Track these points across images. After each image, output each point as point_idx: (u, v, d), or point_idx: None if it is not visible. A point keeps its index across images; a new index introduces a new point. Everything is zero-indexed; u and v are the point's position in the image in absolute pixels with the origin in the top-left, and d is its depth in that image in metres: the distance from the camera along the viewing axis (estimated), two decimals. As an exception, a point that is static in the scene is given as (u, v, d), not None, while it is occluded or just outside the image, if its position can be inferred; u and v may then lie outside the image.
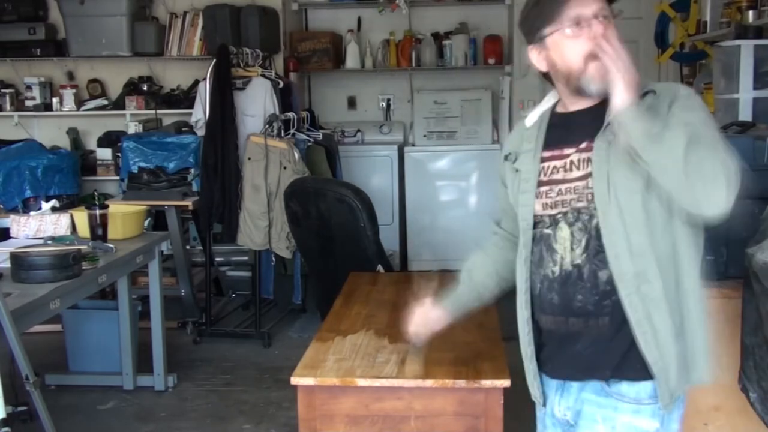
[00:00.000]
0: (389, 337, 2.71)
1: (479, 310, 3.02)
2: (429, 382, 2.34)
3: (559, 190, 1.76)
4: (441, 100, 6.44)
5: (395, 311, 3.05)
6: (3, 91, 6.08)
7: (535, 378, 1.91)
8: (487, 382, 2.33)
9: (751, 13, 3.84)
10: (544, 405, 1.93)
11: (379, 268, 4.06)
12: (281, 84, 5.21)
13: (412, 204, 6.37)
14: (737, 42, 3.48)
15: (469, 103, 6.42)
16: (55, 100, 6.05)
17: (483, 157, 6.35)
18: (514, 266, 1.90)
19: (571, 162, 1.75)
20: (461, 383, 2.34)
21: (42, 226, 3.91)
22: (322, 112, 6.49)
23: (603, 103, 1.71)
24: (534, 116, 1.88)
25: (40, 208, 4.39)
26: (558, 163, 1.77)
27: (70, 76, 6.21)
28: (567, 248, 1.75)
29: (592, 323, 1.74)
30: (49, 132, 6.11)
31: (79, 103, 6.05)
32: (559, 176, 1.77)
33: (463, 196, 6.40)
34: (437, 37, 6.47)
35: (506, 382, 2.33)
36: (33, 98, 6.04)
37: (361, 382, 2.36)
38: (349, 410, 2.39)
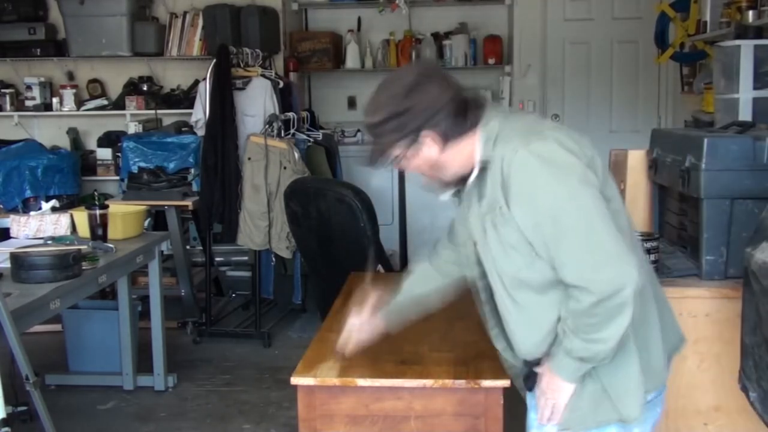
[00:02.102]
0: (389, 337, 2.71)
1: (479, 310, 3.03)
2: (429, 382, 2.34)
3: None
4: (441, 100, 6.44)
5: (395, 311, 3.05)
6: (3, 91, 6.08)
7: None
8: (487, 382, 2.33)
9: (751, 13, 3.84)
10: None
11: (379, 268, 4.06)
12: (281, 84, 5.21)
13: (412, 204, 6.37)
14: (737, 42, 3.48)
15: (469, 103, 6.42)
16: (55, 100, 6.06)
17: (483, 157, 6.34)
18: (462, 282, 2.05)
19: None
20: (461, 383, 2.33)
21: (42, 226, 3.90)
22: (322, 112, 6.49)
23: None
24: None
25: (40, 208, 4.39)
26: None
27: (70, 76, 6.21)
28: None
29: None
30: (49, 132, 6.11)
31: (79, 103, 6.05)
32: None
33: (463, 196, 6.39)
34: (437, 37, 6.47)
35: (506, 382, 2.32)
36: (33, 98, 6.04)
37: (361, 382, 2.36)
38: (349, 410, 2.39)
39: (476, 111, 1.79)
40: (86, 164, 5.74)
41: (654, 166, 2.74)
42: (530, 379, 1.89)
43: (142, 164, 5.04)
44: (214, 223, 5.01)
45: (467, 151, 1.79)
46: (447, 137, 1.76)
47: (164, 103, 6.00)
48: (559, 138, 1.75)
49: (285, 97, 5.25)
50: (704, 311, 2.33)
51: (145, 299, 4.37)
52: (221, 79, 4.88)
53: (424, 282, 2.22)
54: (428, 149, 1.78)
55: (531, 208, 1.69)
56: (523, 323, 1.82)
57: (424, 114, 1.74)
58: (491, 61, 6.38)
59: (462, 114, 1.77)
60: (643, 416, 1.81)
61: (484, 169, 1.77)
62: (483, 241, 1.81)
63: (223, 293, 5.69)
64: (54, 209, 4.25)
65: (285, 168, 4.81)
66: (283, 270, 5.60)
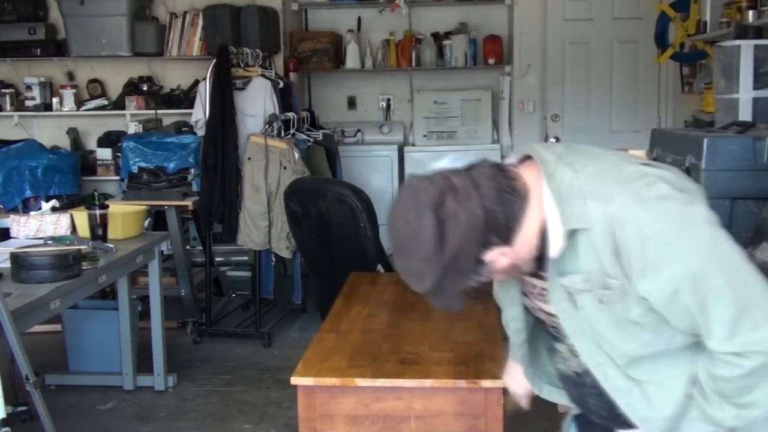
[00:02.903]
0: (389, 337, 2.72)
1: (479, 310, 3.03)
2: (429, 382, 2.34)
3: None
4: (441, 100, 6.45)
5: (395, 311, 3.06)
6: (3, 91, 6.08)
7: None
8: (487, 382, 2.33)
9: (751, 13, 3.84)
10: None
11: (379, 268, 4.06)
12: (281, 84, 5.21)
13: (412, 204, 6.36)
14: (737, 42, 3.48)
15: (469, 103, 6.42)
16: (55, 100, 6.06)
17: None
18: None
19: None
20: (461, 383, 2.34)
21: (42, 226, 3.90)
22: (322, 112, 6.49)
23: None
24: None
25: (40, 208, 4.39)
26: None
27: (70, 76, 6.21)
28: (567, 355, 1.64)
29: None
30: (49, 132, 6.11)
31: (79, 103, 6.05)
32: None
33: (463, 196, 6.39)
34: (437, 37, 6.47)
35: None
36: (33, 98, 6.05)
37: (361, 382, 2.36)
38: (349, 410, 2.39)
39: (516, 179, 1.44)
40: (86, 164, 5.74)
41: (654, 166, 2.74)
42: None
43: (142, 164, 5.04)
44: (214, 223, 5.00)
45: (534, 227, 1.44)
46: (509, 236, 1.42)
47: (164, 103, 6.00)
48: (665, 176, 1.44)
49: (285, 97, 5.25)
50: (704, 311, 2.33)
51: (145, 299, 4.37)
52: (221, 79, 4.88)
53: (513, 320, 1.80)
54: (501, 261, 1.45)
55: (665, 278, 1.37)
56: (649, 400, 1.51)
57: (471, 246, 1.40)
58: (491, 61, 6.38)
59: (504, 201, 1.41)
60: None
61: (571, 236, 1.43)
62: (574, 319, 1.50)
63: (223, 293, 5.69)
64: (54, 209, 4.25)
65: (285, 168, 4.81)
66: (283, 270, 5.60)
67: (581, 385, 1.63)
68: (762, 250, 1.88)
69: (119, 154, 5.39)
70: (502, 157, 6.41)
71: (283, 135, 4.96)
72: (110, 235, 3.72)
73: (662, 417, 1.50)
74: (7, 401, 2.50)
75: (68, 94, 6.01)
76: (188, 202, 4.94)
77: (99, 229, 3.65)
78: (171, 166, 5.06)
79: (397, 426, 2.38)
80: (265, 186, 4.83)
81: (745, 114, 3.36)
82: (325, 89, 6.71)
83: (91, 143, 6.04)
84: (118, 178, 5.53)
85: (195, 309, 5.11)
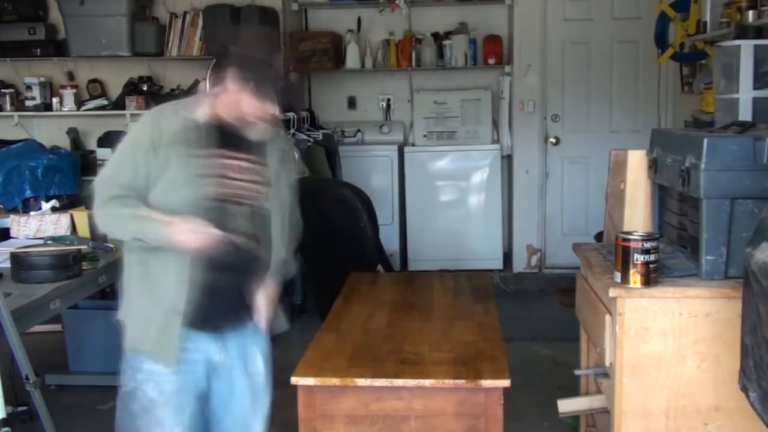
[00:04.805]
0: (389, 337, 2.72)
1: (479, 310, 3.03)
2: (429, 382, 2.35)
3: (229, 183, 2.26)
4: (441, 100, 6.44)
5: (395, 311, 3.06)
6: (3, 91, 6.08)
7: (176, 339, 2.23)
8: (487, 382, 2.33)
9: (751, 13, 3.83)
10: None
11: (379, 268, 4.07)
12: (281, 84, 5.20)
13: (412, 204, 6.37)
14: (737, 42, 3.48)
15: (469, 103, 6.42)
16: (55, 100, 6.05)
17: (483, 157, 6.35)
18: None
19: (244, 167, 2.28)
20: (461, 383, 2.34)
21: (42, 226, 3.90)
22: (322, 112, 6.49)
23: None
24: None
25: (40, 208, 4.39)
26: (231, 162, 2.26)
27: (70, 76, 6.21)
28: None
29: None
30: (49, 132, 6.11)
31: (79, 103, 6.05)
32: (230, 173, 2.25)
33: (463, 196, 6.40)
34: (437, 37, 6.47)
35: (506, 382, 2.33)
36: (33, 98, 6.04)
37: (361, 382, 2.36)
38: (349, 410, 2.39)
39: None
40: (86, 164, 5.73)
41: (654, 166, 2.74)
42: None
43: (142, 164, 5.03)
44: (214, 223, 4.99)
45: None
46: None
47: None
48: None
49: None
50: (704, 311, 2.33)
51: (145, 299, 4.37)
52: (221, 79, 4.87)
53: None
54: None
55: None
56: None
57: None
58: (491, 61, 6.38)
59: None
60: None
61: None
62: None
63: (223, 293, 5.67)
64: (54, 209, 4.25)
65: (285, 168, 4.81)
66: (283, 270, 5.59)
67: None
68: (762, 250, 1.88)
69: (119, 154, 5.38)
70: (502, 157, 6.42)
71: (283, 135, 4.96)
72: (110, 235, 3.71)
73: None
74: (7, 401, 2.50)
75: (68, 94, 6.01)
76: (188, 202, 4.93)
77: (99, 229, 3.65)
78: (171, 166, 5.04)
79: (397, 426, 2.38)
80: (265, 186, 4.82)
81: (745, 114, 3.36)
82: (325, 89, 6.71)
83: (91, 143, 6.03)
84: (118, 178, 5.52)
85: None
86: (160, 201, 2.20)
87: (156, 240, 2.19)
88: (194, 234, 2.15)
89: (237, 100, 2.20)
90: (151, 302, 2.24)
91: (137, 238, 2.23)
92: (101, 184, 2.27)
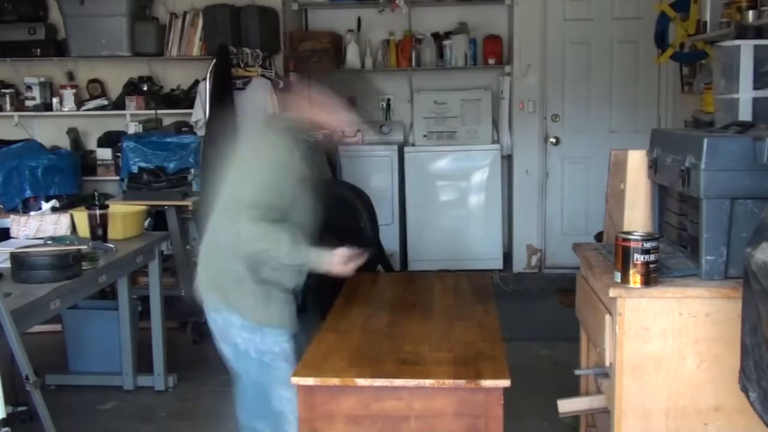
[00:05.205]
0: (389, 337, 2.72)
1: (479, 310, 3.03)
2: (429, 382, 2.34)
3: None
4: (441, 100, 6.44)
5: (395, 311, 3.06)
6: (3, 91, 6.08)
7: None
8: (487, 382, 2.33)
9: (751, 13, 3.83)
10: None
11: (379, 268, 4.07)
12: (281, 84, 5.21)
13: (412, 204, 6.37)
14: (737, 42, 3.48)
15: (469, 103, 6.42)
16: (55, 100, 6.06)
17: (483, 157, 6.35)
18: None
19: None
20: (461, 383, 2.33)
21: (42, 226, 3.91)
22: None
23: None
24: None
25: (40, 208, 4.39)
26: None
27: (70, 76, 6.21)
28: None
29: None
30: (49, 132, 6.11)
31: (79, 103, 6.05)
32: None
33: (463, 196, 6.40)
34: (437, 37, 6.47)
35: (506, 382, 2.32)
36: (33, 98, 6.04)
37: (361, 382, 2.36)
38: (349, 410, 2.39)
39: None
40: (86, 164, 5.74)
41: (654, 166, 2.74)
42: None
43: (142, 164, 5.04)
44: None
45: None
46: None
47: (164, 103, 6.00)
48: None
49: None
50: (704, 311, 2.33)
51: (145, 299, 4.37)
52: (221, 79, 4.88)
53: None
54: None
55: None
56: None
57: None
58: (491, 61, 6.38)
59: None
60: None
61: None
62: None
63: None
64: (54, 209, 4.25)
65: (285, 168, 4.81)
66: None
67: None
68: (762, 250, 1.88)
69: (119, 154, 5.39)
70: (502, 157, 6.42)
71: (283, 135, 4.95)
72: (110, 235, 3.72)
73: None
74: (7, 401, 2.50)
75: (68, 94, 6.01)
76: (188, 202, 4.94)
77: (99, 229, 3.66)
78: (171, 166, 5.05)
79: (397, 426, 2.38)
80: (265, 186, 4.82)
81: (745, 114, 3.36)
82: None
83: (91, 143, 6.03)
84: (118, 178, 5.53)
85: (195, 309, 5.09)
86: None
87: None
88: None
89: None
90: None
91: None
92: None
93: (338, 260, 2.55)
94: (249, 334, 2.65)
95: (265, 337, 2.64)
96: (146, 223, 4.40)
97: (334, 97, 2.71)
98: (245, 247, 2.53)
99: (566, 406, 2.84)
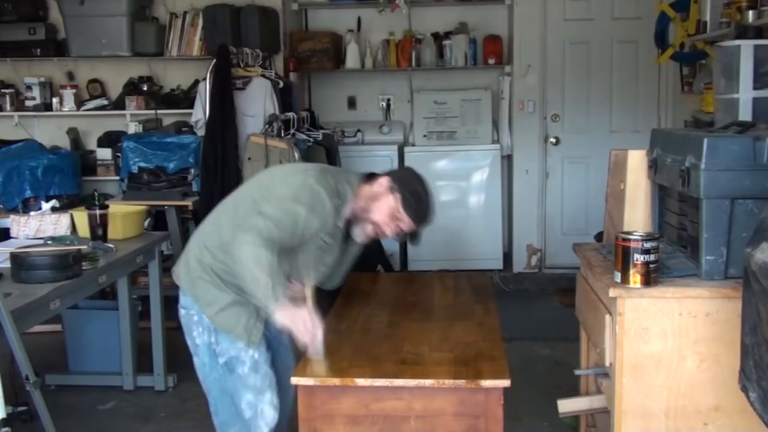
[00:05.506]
0: (389, 337, 2.72)
1: (479, 310, 3.03)
2: (429, 382, 2.34)
3: None
4: (441, 100, 6.44)
5: (395, 311, 3.06)
6: (3, 91, 6.08)
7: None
8: (487, 382, 2.33)
9: (751, 13, 3.83)
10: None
11: (379, 268, 4.06)
12: (281, 84, 5.21)
13: (412, 204, 6.36)
14: (737, 42, 3.48)
15: (469, 103, 6.42)
16: (55, 100, 6.05)
17: (483, 157, 6.35)
18: None
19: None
20: (461, 383, 2.34)
21: (42, 226, 3.90)
22: (322, 112, 6.49)
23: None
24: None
25: (40, 208, 4.39)
26: None
27: (70, 76, 6.21)
28: None
29: None
30: (49, 132, 6.11)
31: (79, 103, 6.05)
32: None
33: (463, 196, 6.40)
34: (437, 37, 6.47)
35: (506, 382, 2.33)
36: (33, 98, 6.04)
37: (361, 382, 2.36)
38: (349, 410, 2.39)
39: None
40: (86, 164, 5.74)
41: (654, 166, 2.74)
42: None
43: (142, 164, 5.04)
44: (214, 223, 5.00)
45: None
46: None
47: (164, 103, 6.00)
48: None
49: (285, 97, 5.25)
50: (704, 311, 2.33)
51: (145, 299, 4.37)
52: (221, 79, 4.88)
53: None
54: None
55: None
56: None
57: None
58: (491, 61, 6.38)
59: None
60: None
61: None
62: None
63: (223, 293, 5.67)
64: (54, 209, 4.25)
65: (285, 168, 4.81)
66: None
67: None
68: (762, 250, 1.88)
69: (119, 154, 5.39)
70: (502, 157, 6.42)
71: (283, 135, 4.96)
72: (110, 235, 3.72)
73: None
74: (7, 401, 2.50)
75: (68, 94, 6.01)
76: (188, 202, 4.94)
77: (99, 229, 3.66)
78: (171, 166, 5.06)
79: (397, 426, 2.38)
80: (265, 186, 4.82)
81: (745, 114, 3.36)
82: (325, 89, 6.71)
83: (91, 143, 6.03)
84: (118, 178, 5.52)
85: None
86: None
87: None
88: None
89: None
90: None
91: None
92: None
93: (300, 326, 2.38)
94: (206, 330, 2.66)
95: (220, 338, 2.62)
96: (146, 223, 4.40)
97: (413, 211, 2.66)
98: (235, 256, 2.41)
99: (566, 406, 2.84)
